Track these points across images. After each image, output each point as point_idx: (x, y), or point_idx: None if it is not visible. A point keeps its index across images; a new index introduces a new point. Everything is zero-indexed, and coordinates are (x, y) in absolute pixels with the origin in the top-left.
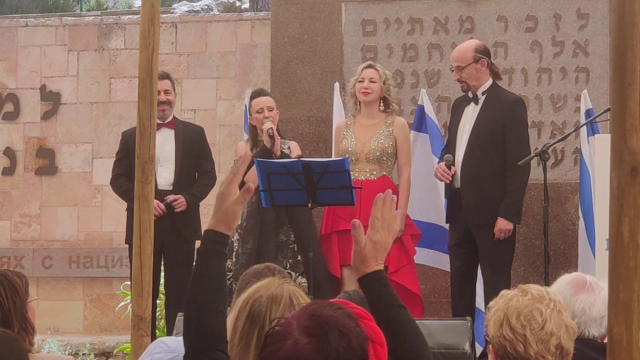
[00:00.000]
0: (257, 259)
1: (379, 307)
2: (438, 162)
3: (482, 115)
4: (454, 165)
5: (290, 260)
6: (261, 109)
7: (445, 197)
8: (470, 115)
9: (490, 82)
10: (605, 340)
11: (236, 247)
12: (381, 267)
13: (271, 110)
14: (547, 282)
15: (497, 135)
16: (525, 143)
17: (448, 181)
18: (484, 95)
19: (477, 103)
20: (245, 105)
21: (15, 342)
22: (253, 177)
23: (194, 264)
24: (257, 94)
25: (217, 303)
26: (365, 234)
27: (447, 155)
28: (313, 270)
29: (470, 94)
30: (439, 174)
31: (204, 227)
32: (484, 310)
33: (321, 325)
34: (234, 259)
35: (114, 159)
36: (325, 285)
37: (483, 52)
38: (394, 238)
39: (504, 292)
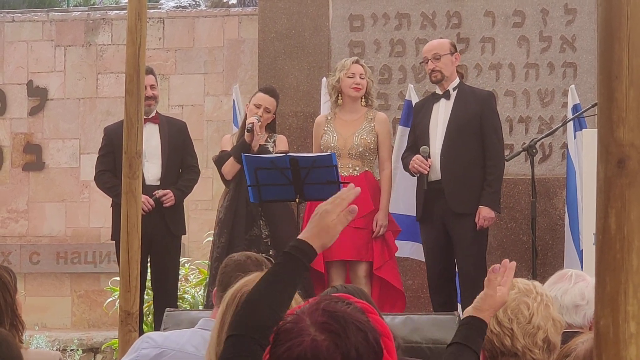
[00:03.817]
0: (228, 253)
1: (460, 342)
2: (403, 155)
3: (458, 108)
4: (430, 158)
5: (262, 255)
6: (259, 104)
7: (421, 190)
8: (443, 110)
9: (457, 79)
10: (581, 330)
11: (215, 241)
12: (488, 320)
13: (268, 112)
14: (535, 277)
15: (474, 127)
16: (501, 133)
17: (426, 172)
18: (455, 91)
19: (448, 98)
20: (234, 100)
21: (10, 340)
22: (227, 169)
23: (275, 263)
24: (266, 90)
25: (277, 305)
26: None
27: (423, 147)
28: None
29: (439, 91)
30: (416, 165)
31: (189, 222)
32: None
33: (338, 321)
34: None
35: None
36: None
37: (456, 49)
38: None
39: None
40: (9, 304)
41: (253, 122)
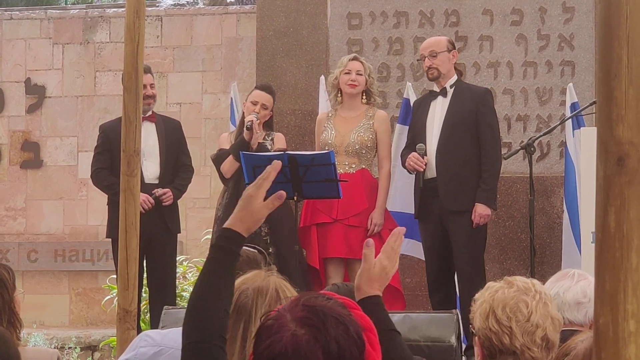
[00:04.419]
0: None
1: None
2: (402, 153)
3: (454, 105)
4: (426, 155)
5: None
6: (256, 101)
7: (417, 187)
8: (439, 107)
9: (455, 77)
10: (582, 328)
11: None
12: (380, 292)
13: (265, 109)
14: (533, 275)
15: (470, 124)
16: (498, 130)
17: (422, 169)
18: (452, 88)
19: (445, 96)
20: (231, 98)
21: (8, 337)
22: (227, 168)
23: (207, 260)
24: (262, 87)
25: (221, 300)
26: (375, 257)
27: (419, 144)
28: (286, 263)
29: (437, 88)
30: (412, 162)
31: (187, 220)
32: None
33: (317, 315)
34: None
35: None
36: (299, 280)
37: (454, 46)
38: (394, 272)
39: (490, 284)
40: (7, 301)
41: (252, 120)
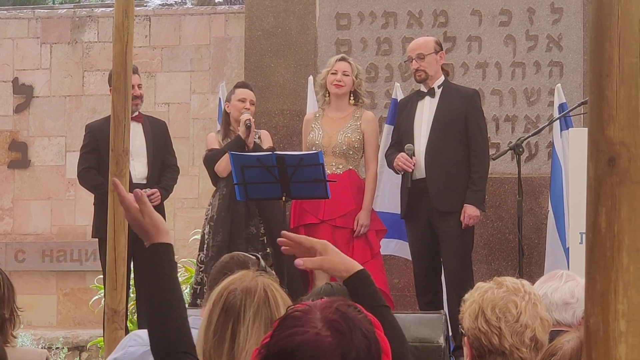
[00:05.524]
0: (227, 251)
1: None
2: (387, 153)
3: (442, 106)
4: (414, 155)
5: (259, 253)
6: (244, 98)
7: (405, 188)
8: (427, 107)
9: (443, 77)
10: (570, 328)
11: (207, 240)
12: (360, 267)
13: (252, 104)
14: (522, 276)
15: (459, 125)
16: (486, 131)
17: (411, 170)
18: (440, 89)
19: (433, 96)
20: (220, 98)
21: None
22: (223, 167)
23: (148, 278)
24: (243, 85)
25: (178, 310)
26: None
27: (408, 145)
28: (287, 264)
29: (424, 88)
30: (400, 163)
31: (175, 220)
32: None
33: (348, 323)
34: (205, 252)
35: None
36: (297, 279)
37: (441, 47)
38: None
39: (479, 284)
40: (12, 295)
41: (250, 119)
